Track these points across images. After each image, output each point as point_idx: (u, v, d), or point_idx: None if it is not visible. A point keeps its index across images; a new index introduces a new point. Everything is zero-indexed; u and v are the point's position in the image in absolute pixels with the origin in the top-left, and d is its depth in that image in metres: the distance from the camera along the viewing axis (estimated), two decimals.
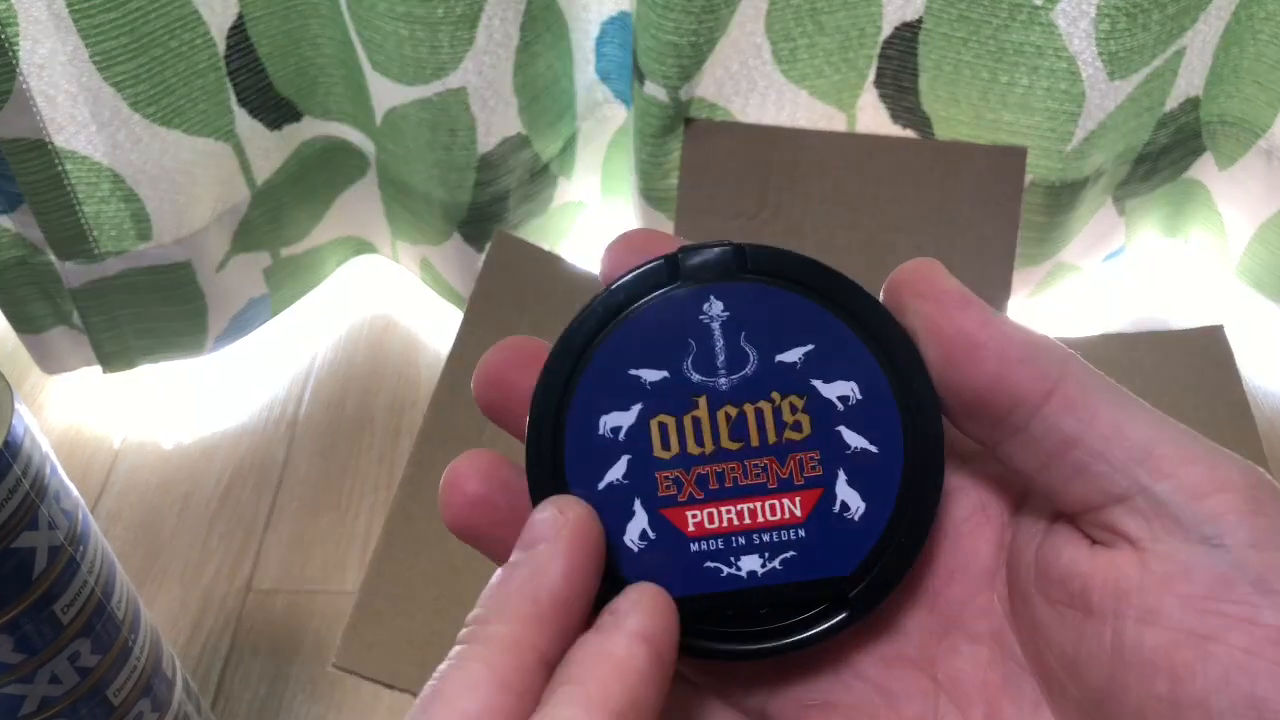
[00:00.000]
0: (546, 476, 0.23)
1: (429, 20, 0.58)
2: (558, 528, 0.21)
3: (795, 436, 0.23)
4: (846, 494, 0.23)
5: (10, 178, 0.59)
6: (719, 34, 0.60)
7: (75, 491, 0.40)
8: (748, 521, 0.23)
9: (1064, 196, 0.64)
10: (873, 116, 0.65)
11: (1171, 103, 0.64)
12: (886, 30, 0.62)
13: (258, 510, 0.66)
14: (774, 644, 0.23)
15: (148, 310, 0.67)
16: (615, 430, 0.23)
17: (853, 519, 0.23)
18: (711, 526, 0.23)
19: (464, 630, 0.20)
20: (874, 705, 0.24)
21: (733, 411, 0.23)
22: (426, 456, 0.55)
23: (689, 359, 0.23)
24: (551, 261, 0.62)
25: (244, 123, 0.64)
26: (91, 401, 0.72)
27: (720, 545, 0.23)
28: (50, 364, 0.71)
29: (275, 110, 0.66)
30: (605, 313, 0.23)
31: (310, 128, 0.68)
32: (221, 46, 0.61)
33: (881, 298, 0.23)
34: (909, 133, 0.65)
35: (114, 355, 0.70)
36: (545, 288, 0.61)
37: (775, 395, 0.23)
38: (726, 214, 0.61)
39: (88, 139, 0.59)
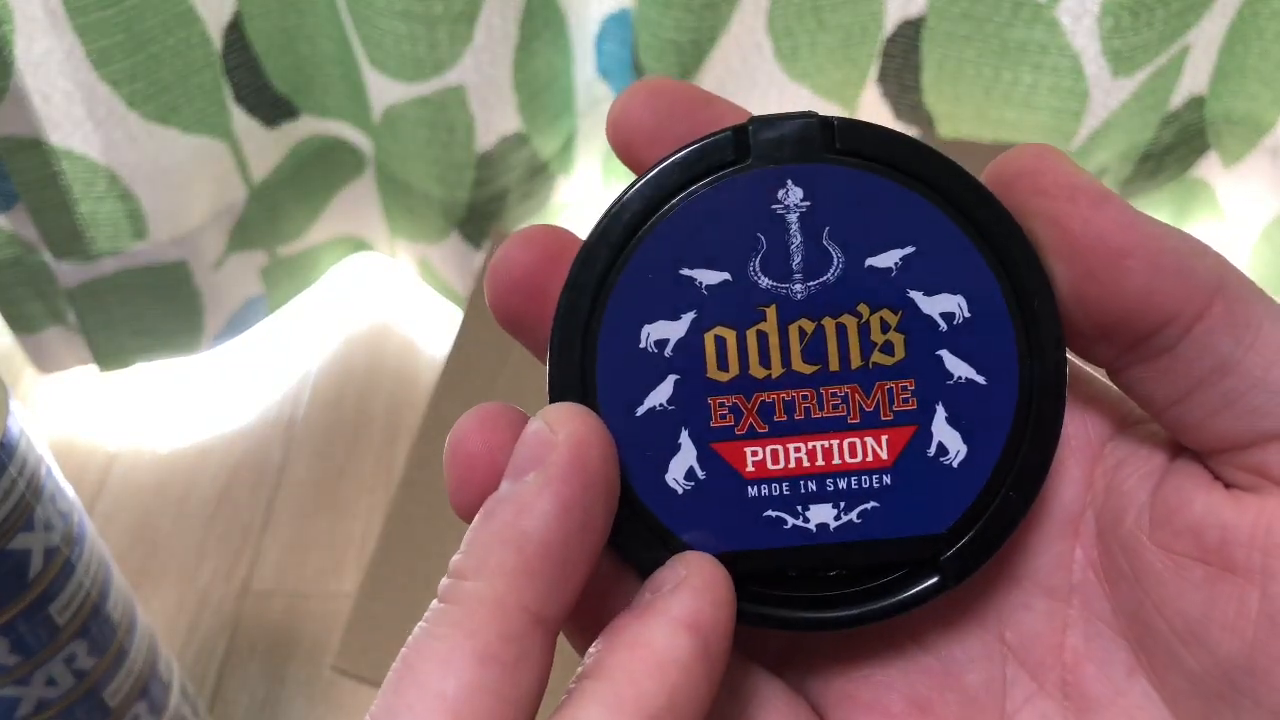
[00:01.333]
0: (572, 400, 0.18)
1: (427, 17, 0.57)
2: (547, 451, 0.17)
3: (886, 360, 0.18)
4: (945, 434, 0.19)
5: (5, 176, 0.59)
6: (720, 31, 0.59)
7: (71, 493, 0.40)
8: (820, 463, 0.19)
9: None
10: (875, 114, 0.65)
11: (1176, 101, 0.63)
12: (889, 27, 0.61)
13: (255, 512, 0.65)
14: (845, 613, 0.19)
15: (144, 309, 0.67)
16: (661, 344, 0.18)
17: (950, 465, 0.19)
18: (775, 467, 0.19)
19: (443, 582, 0.17)
20: (931, 673, 0.21)
21: (809, 326, 0.18)
22: (425, 457, 0.55)
23: (757, 259, 0.18)
24: None
25: (241, 120, 0.64)
26: (88, 403, 0.72)
27: (785, 491, 0.19)
28: (46, 363, 0.71)
29: (272, 108, 0.65)
30: (653, 197, 0.18)
31: (307, 125, 0.68)
32: (218, 44, 0.60)
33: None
34: (912, 131, 0.65)
35: (110, 354, 0.69)
36: None
37: (863, 308, 0.18)
38: None
39: (83, 137, 0.59)
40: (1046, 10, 0.57)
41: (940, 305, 0.19)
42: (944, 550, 0.19)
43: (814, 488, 0.19)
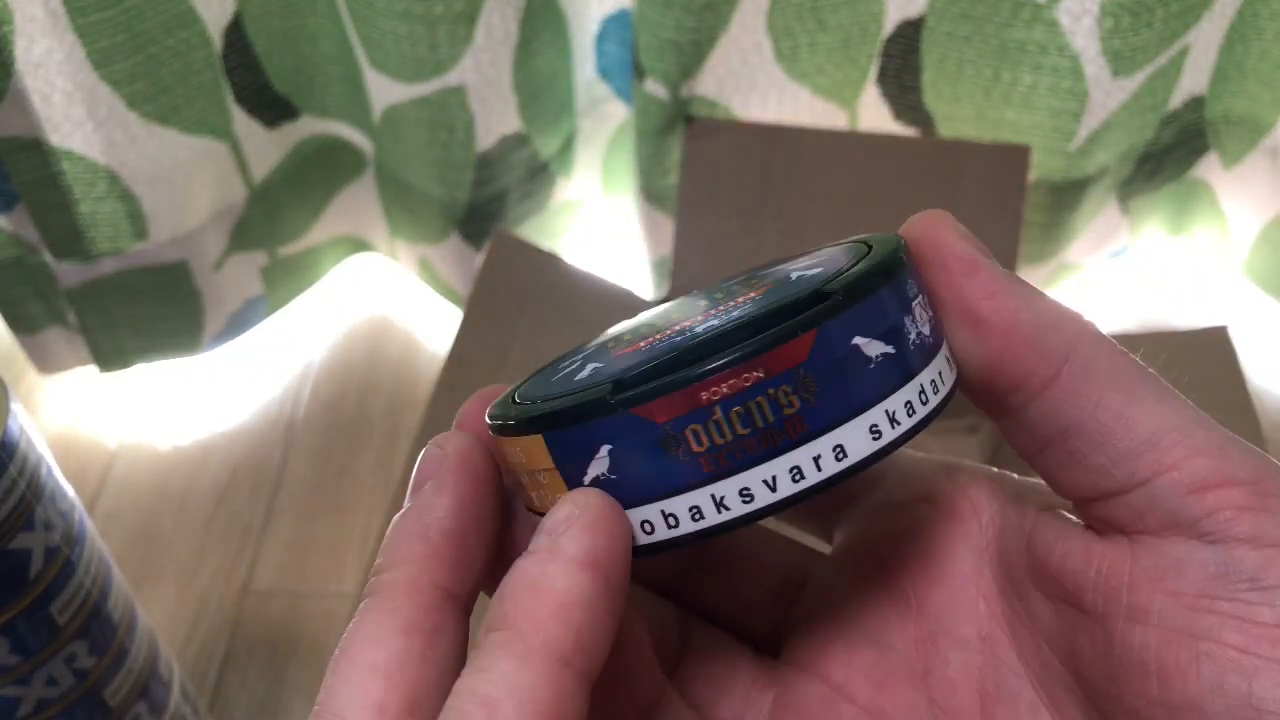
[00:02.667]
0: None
1: (427, 17, 0.57)
2: (440, 463, 0.20)
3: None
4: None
5: (6, 177, 0.59)
6: (720, 31, 0.59)
7: (71, 492, 0.40)
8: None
9: (1067, 195, 0.63)
10: (875, 114, 0.65)
11: (1175, 101, 0.63)
12: (889, 28, 0.61)
13: (255, 512, 0.65)
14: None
15: (144, 310, 0.67)
16: None
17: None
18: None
19: (367, 584, 0.19)
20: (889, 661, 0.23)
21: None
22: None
23: None
24: (550, 260, 0.62)
25: (241, 121, 0.64)
26: (88, 402, 0.72)
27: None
28: (46, 364, 0.71)
29: (272, 108, 0.65)
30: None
31: (308, 126, 0.68)
32: (218, 44, 0.60)
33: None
34: (911, 131, 0.65)
35: (110, 355, 0.69)
36: (544, 287, 0.61)
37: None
38: (727, 212, 0.61)
39: (84, 137, 0.59)
40: (1046, 10, 0.57)
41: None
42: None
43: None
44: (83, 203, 0.61)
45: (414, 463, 0.21)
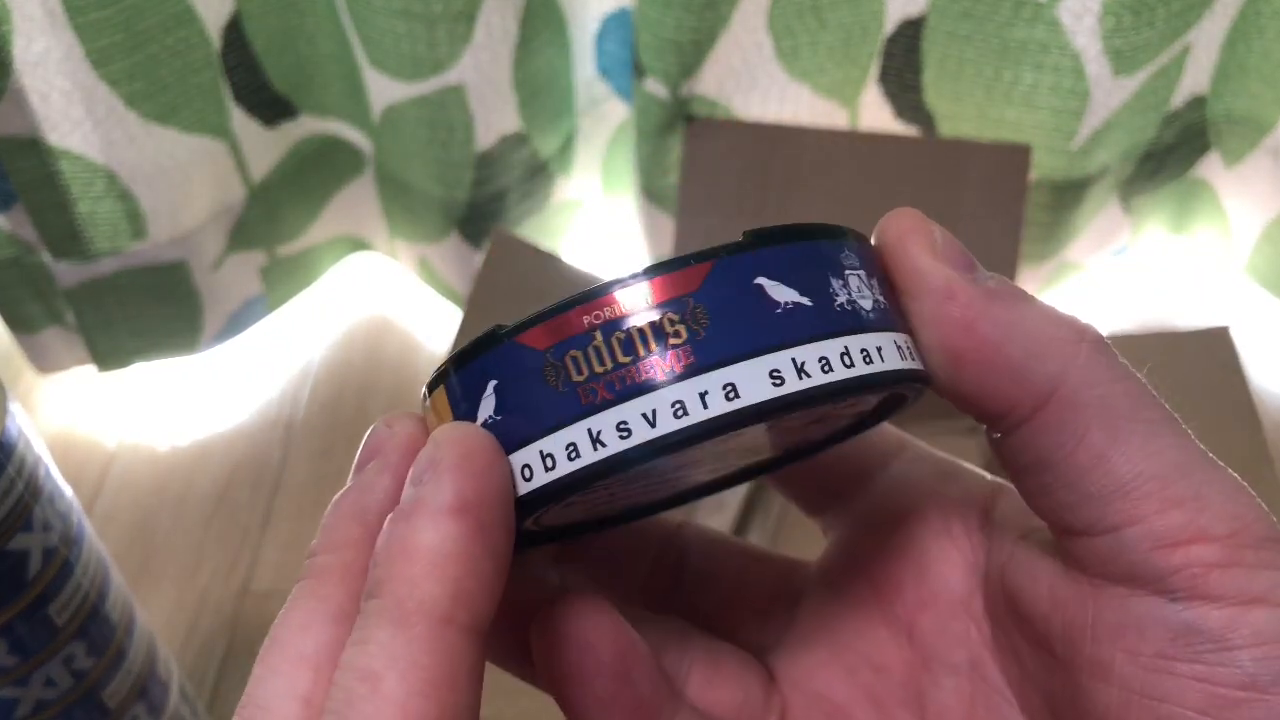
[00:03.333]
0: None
1: (427, 16, 0.57)
2: (386, 441, 0.19)
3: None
4: None
5: (4, 176, 0.59)
6: (720, 30, 0.59)
7: (70, 493, 0.39)
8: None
9: (1068, 194, 0.63)
10: (875, 114, 0.65)
11: (1177, 100, 0.63)
12: (890, 27, 0.61)
13: (254, 512, 0.65)
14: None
15: (143, 309, 0.67)
16: None
17: None
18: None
19: (303, 567, 0.18)
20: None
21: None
22: None
23: None
24: (550, 260, 0.62)
25: (240, 120, 0.64)
26: (86, 402, 0.72)
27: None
28: (45, 364, 0.71)
29: (271, 107, 0.65)
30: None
31: (307, 125, 0.68)
32: (217, 43, 0.60)
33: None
34: (912, 130, 0.65)
35: (109, 354, 0.69)
36: (544, 286, 0.61)
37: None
38: (728, 212, 0.61)
39: (82, 137, 0.58)
40: (1047, 9, 0.56)
41: None
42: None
43: None
44: (81, 202, 0.61)
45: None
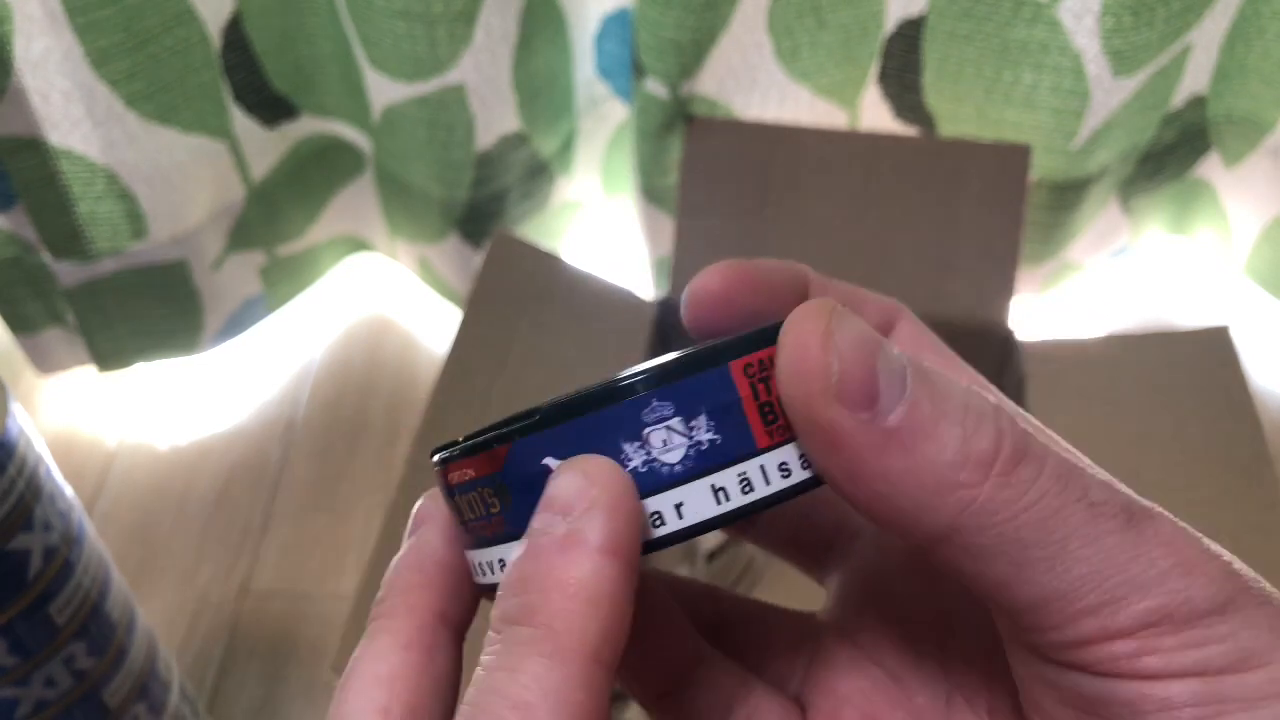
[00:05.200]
0: None
1: (427, 16, 0.57)
2: (432, 513, 0.21)
3: None
4: None
5: (4, 176, 0.59)
6: (720, 30, 0.59)
7: (70, 493, 0.39)
8: None
9: (1068, 194, 0.63)
10: (875, 114, 0.65)
11: (1177, 100, 0.63)
12: (889, 27, 0.61)
13: (254, 512, 0.65)
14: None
15: (143, 310, 0.67)
16: None
17: None
18: None
19: (370, 614, 0.20)
20: (887, 691, 0.23)
21: None
22: (424, 458, 0.55)
23: None
24: (551, 261, 0.62)
25: (240, 120, 0.64)
26: (87, 402, 0.72)
27: None
28: (45, 364, 0.71)
29: (271, 108, 0.65)
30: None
31: (307, 125, 0.68)
32: (217, 43, 0.60)
33: None
34: (912, 130, 0.65)
35: (109, 355, 0.69)
36: (544, 287, 0.60)
37: None
38: (728, 212, 0.61)
39: (83, 137, 0.58)
40: (1047, 10, 0.57)
41: None
42: None
43: None
44: (81, 202, 0.61)
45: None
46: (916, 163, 0.60)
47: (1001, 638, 0.20)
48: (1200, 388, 0.56)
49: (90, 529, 0.40)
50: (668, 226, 0.67)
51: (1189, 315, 0.73)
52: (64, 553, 0.38)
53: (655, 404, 0.18)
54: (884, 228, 0.59)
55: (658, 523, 0.18)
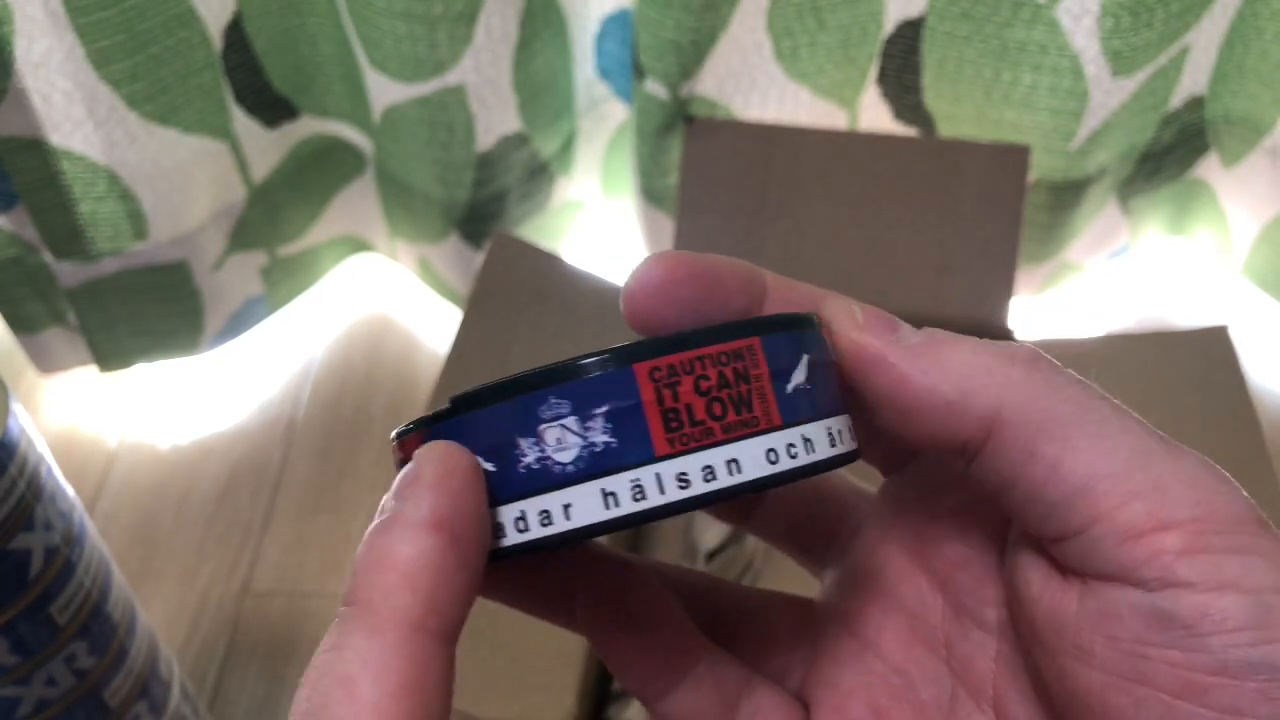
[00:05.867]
0: None
1: (427, 17, 0.57)
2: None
3: None
4: None
5: (6, 176, 0.59)
6: (720, 31, 0.59)
7: (71, 492, 0.40)
8: None
9: (1067, 195, 0.63)
10: (875, 114, 0.65)
11: (1176, 101, 0.63)
12: (889, 28, 0.61)
13: (255, 512, 0.65)
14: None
15: (144, 309, 0.67)
16: None
17: None
18: None
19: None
20: (892, 686, 0.23)
21: None
22: None
23: None
24: (551, 261, 0.62)
25: (241, 121, 0.64)
26: (88, 402, 0.72)
27: None
28: (46, 364, 0.71)
29: (272, 108, 0.65)
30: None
31: (307, 126, 0.68)
32: (218, 44, 0.60)
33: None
34: (911, 131, 0.65)
35: (110, 355, 0.69)
36: (544, 287, 0.61)
37: None
38: (728, 212, 0.61)
39: (84, 137, 0.58)
40: (1046, 10, 0.57)
41: None
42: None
43: None
44: (82, 202, 0.61)
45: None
46: (916, 163, 0.60)
47: (1020, 624, 0.20)
48: (1199, 388, 0.56)
49: (91, 529, 0.41)
50: (668, 226, 0.67)
51: (1188, 315, 0.73)
52: (65, 552, 0.38)
53: (552, 401, 0.18)
54: (884, 228, 0.59)
55: (545, 521, 0.18)
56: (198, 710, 0.49)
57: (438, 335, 0.75)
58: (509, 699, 0.45)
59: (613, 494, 0.18)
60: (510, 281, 0.60)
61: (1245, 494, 0.18)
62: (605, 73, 0.68)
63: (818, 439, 0.19)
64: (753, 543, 0.57)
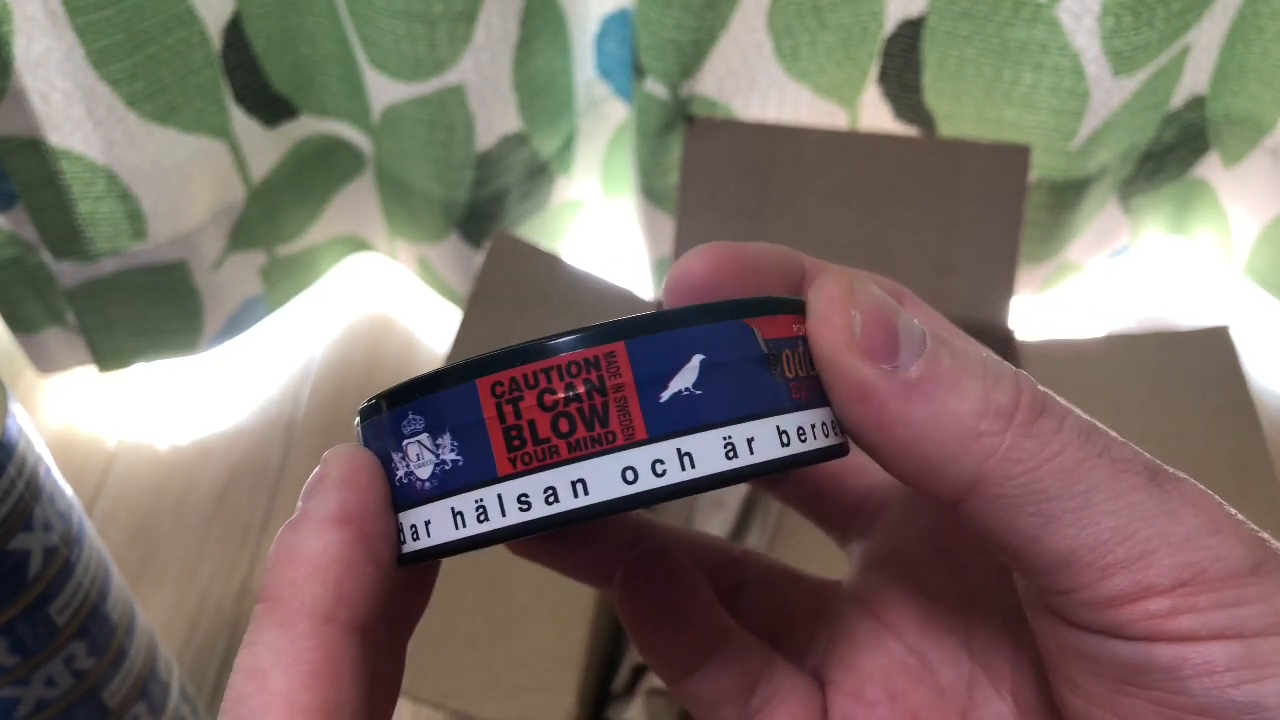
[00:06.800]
0: None
1: (427, 16, 0.57)
2: None
3: None
4: None
5: (5, 176, 0.59)
6: (720, 30, 0.59)
7: (70, 493, 0.39)
8: None
9: (1068, 195, 0.63)
10: (875, 114, 0.65)
11: (1177, 100, 0.63)
12: (889, 27, 0.61)
13: (254, 512, 0.65)
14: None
15: (143, 310, 0.67)
16: None
17: None
18: None
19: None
20: (909, 669, 0.23)
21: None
22: None
23: None
24: (551, 261, 0.62)
25: (240, 120, 0.64)
26: (87, 402, 0.72)
27: None
28: (45, 364, 0.71)
29: (271, 108, 0.65)
30: None
31: (307, 125, 0.68)
32: (217, 43, 0.60)
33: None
34: (912, 130, 0.65)
35: (109, 355, 0.69)
36: (544, 287, 0.61)
37: None
38: (728, 212, 0.61)
39: (83, 137, 0.58)
40: (1047, 10, 0.57)
41: None
42: None
43: None
44: (81, 202, 0.61)
45: None
46: (916, 163, 0.60)
47: (1028, 617, 0.20)
48: (1200, 388, 0.56)
49: (90, 529, 0.40)
50: (668, 226, 0.67)
51: (1189, 315, 0.73)
52: (64, 553, 0.38)
53: (410, 417, 0.18)
54: (884, 228, 0.59)
55: (415, 535, 0.18)
56: (197, 711, 0.49)
57: (437, 335, 0.75)
58: (509, 699, 0.45)
59: (460, 514, 0.18)
60: (510, 281, 0.60)
61: (1246, 532, 0.17)
62: (605, 72, 0.68)
63: (703, 452, 0.17)
64: (754, 539, 0.57)
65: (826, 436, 0.19)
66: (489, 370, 0.17)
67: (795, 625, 0.25)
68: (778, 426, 0.18)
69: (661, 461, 0.17)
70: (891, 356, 0.18)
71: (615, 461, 0.17)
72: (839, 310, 0.18)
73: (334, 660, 0.17)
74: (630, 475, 0.17)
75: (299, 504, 0.18)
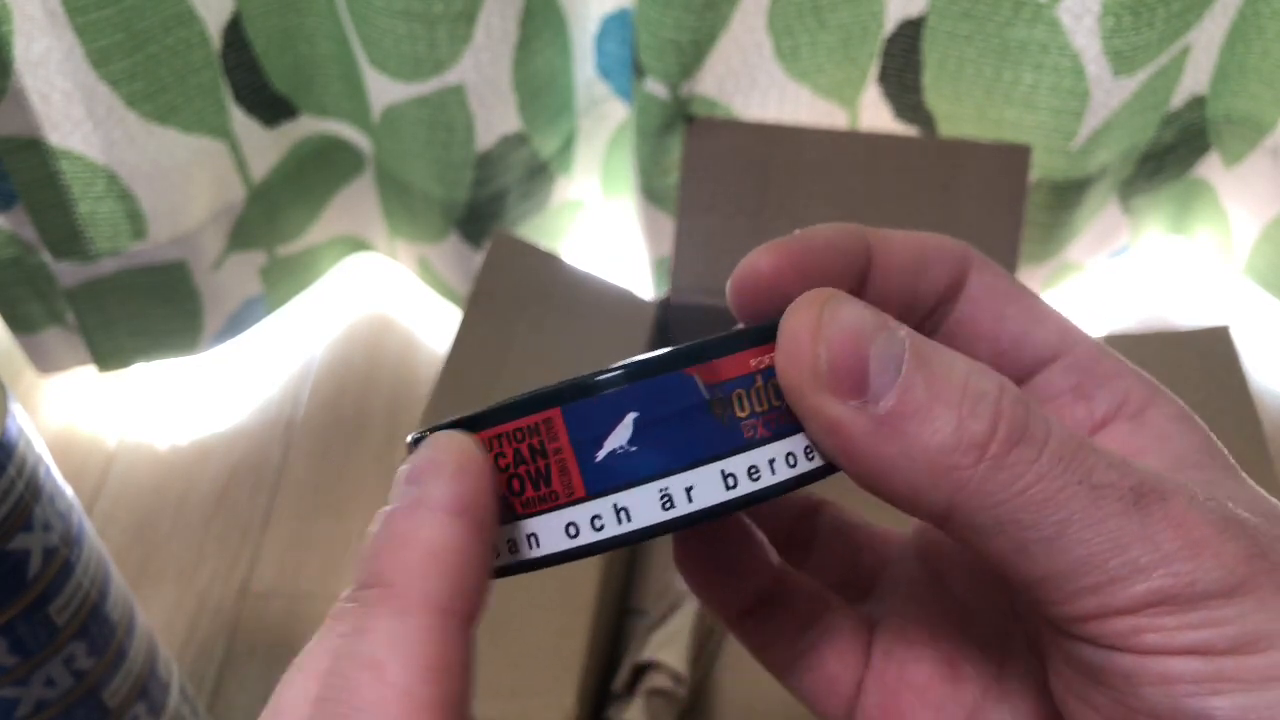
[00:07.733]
0: None
1: (427, 16, 0.57)
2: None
3: None
4: None
5: (5, 176, 0.59)
6: (720, 30, 0.59)
7: (70, 493, 0.39)
8: None
9: (1068, 194, 0.63)
10: (875, 114, 0.65)
11: (1177, 100, 0.63)
12: (889, 27, 0.61)
13: (254, 512, 0.65)
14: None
15: (143, 309, 0.67)
16: None
17: None
18: None
19: None
20: (955, 618, 0.24)
21: None
22: None
23: None
24: (550, 261, 0.62)
25: (240, 120, 0.64)
26: (87, 402, 0.72)
27: None
28: (45, 364, 0.71)
29: (271, 108, 0.65)
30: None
31: (307, 125, 0.68)
32: (217, 43, 0.60)
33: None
34: (912, 130, 0.65)
35: (109, 355, 0.69)
36: (544, 287, 0.60)
37: None
38: (728, 212, 0.61)
39: (83, 137, 0.58)
40: (1047, 10, 0.56)
41: None
42: None
43: None
44: (81, 202, 0.61)
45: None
46: (916, 163, 0.60)
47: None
48: (1200, 388, 0.56)
49: (90, 529, 0.40)
50: (668, 226, 0.67)
51: (1189, 315, 0.73)
52: (64, 553, 0.38)
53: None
54: (884, 228, 0.59)
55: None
56: (197, 711, 0.49)
57: (437, 335, 0.75)
58: (509, 699, 0.45)
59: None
60: (510, 281, 0.60)
61: (1233, 550, 0.17)
62: (605, 72, 0.68)
63: (638, 505, 0.18)
64: None
65: (794, 466, 0.19)
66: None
67: (860, 572, 0.26)
68: (722, 470, 0.18)
69: (599, 517, 0.18)
70: (859, 391, 0.18)
71: (558, 519, 0.18)
72: (804, 344, 0.18)
73: (451, 654, 0.17)
74: (572, 530, 0.18)
75: (401, 487, 0.18)
